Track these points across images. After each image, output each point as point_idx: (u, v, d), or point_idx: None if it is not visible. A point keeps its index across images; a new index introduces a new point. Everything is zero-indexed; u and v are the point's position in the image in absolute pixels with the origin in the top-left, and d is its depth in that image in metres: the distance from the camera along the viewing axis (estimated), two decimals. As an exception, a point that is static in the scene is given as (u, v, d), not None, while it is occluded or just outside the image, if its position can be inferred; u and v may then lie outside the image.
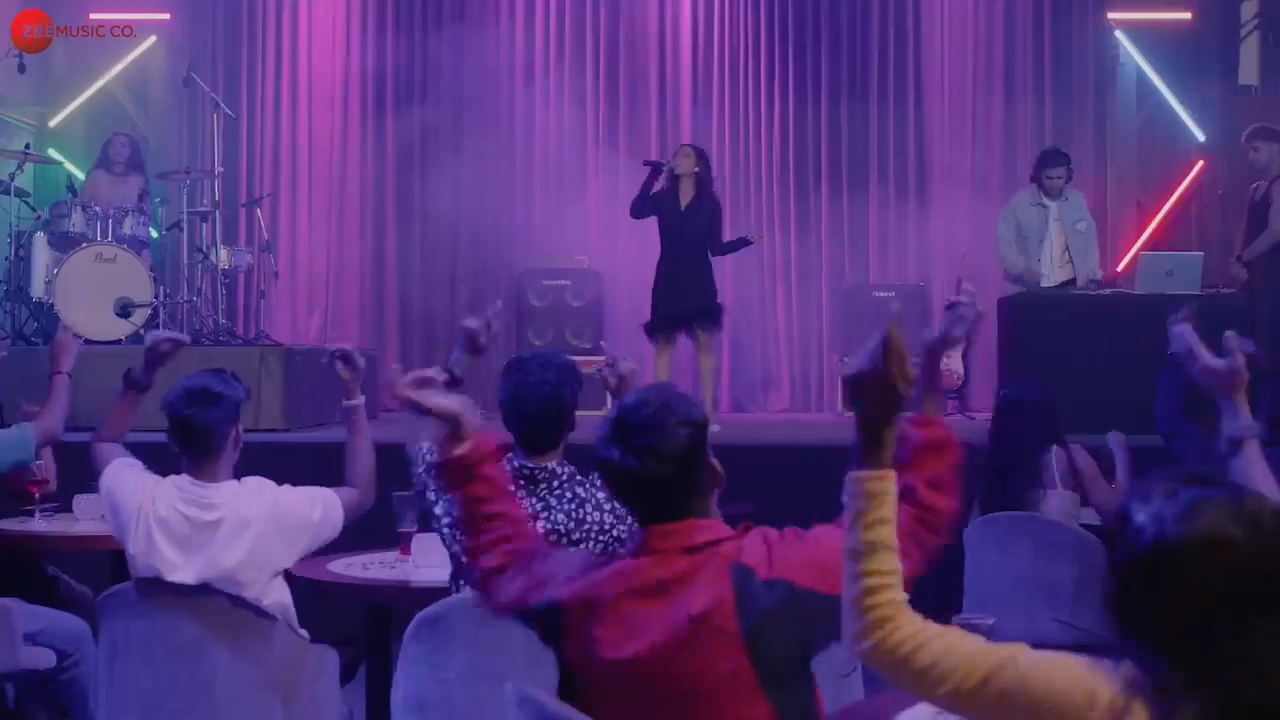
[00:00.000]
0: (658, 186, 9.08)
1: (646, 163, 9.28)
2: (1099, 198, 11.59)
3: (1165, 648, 1.92)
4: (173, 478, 4.11)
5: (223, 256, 10.07)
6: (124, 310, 9.40)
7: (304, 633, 4.09)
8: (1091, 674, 1.96)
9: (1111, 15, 11.84)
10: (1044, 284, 9.45)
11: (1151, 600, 1.93)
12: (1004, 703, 1.98)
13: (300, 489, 4.12)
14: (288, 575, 4.32)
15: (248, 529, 3.98)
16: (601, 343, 4.00)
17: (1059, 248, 9.54)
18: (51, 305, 9.40)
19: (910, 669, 2.04)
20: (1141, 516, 1.95)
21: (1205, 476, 1.98)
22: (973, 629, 3.16)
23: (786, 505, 4.70)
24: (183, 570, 3.96)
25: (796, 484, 5.27)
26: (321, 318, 12.10)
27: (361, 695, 4.59)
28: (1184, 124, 11.71)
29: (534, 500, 3.84)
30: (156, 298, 9.64)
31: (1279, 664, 1.86)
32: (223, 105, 10.42)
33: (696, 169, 9.11)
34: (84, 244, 9.56)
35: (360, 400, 4.30)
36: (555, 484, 3.89)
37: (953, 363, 10.89)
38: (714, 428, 8.74)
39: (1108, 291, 9.13)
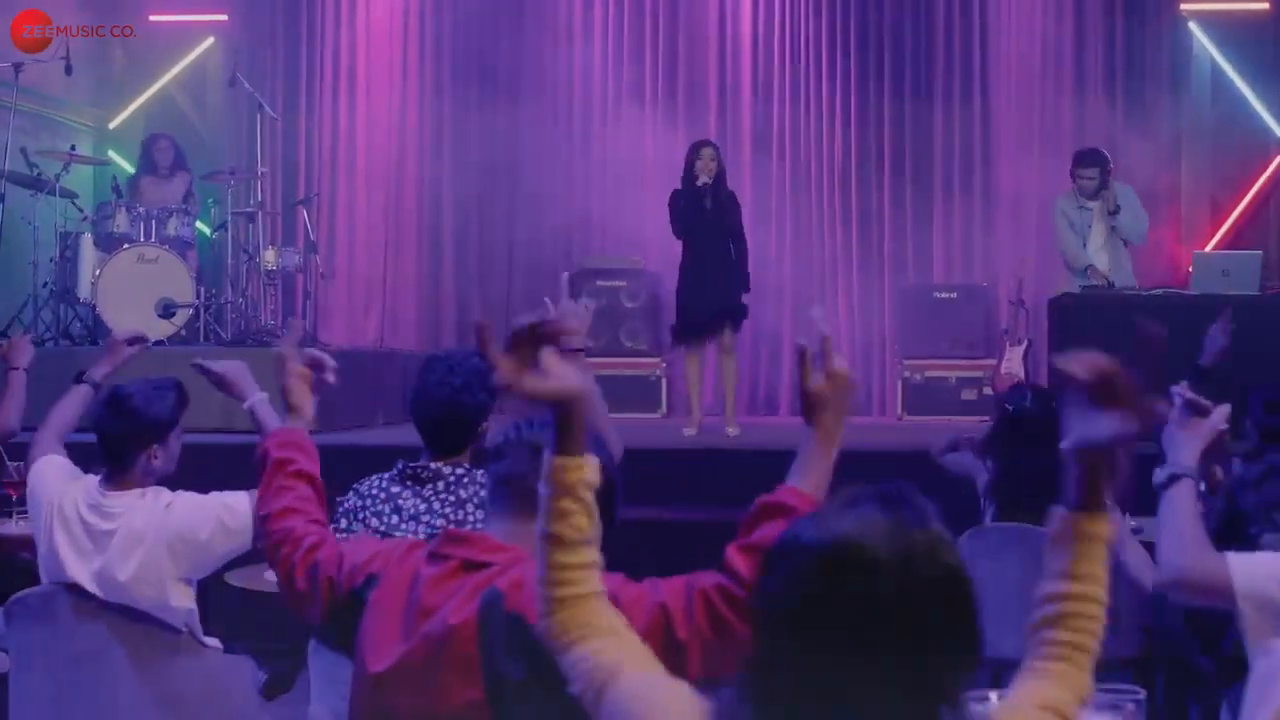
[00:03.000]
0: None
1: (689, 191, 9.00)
2: (1173, 195, 11.24)
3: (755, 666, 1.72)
4: (87, 478, 4.02)
5: (269, 257, 10.07)
6: (166, 311, 9.42)
7: (215, 643, 3.97)
8: (691, 704, 1.82)
9: (1185, 6, 11.44)
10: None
11: (765, 609, 1.73)
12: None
13: (203, 500, 3.92)
14: (224, 585, 4.21)
15: (139, 545, 3.84)
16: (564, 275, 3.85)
17: (1099, 246, 9.33)
18: (94, 306, 9.45)
19: (563, 658, 2.00)
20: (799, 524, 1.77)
21: (893, 494, 1.76)
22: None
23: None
24: (79, 573, 3.86)
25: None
26: (379, 319, 12.07)
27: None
28: (1261, 119, 11.28)
29: (417, 501, 3.75)
30: (198, 298, 9.65)
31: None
32: (266, 107, 10.41)
33: (719, 169, 8.95)
34: (126, 245, 9.61)
35: (253, 399, 3.93)
36: (440, 484, 3.77)
37: (1013, 365, 10.60)
38: (732, 431, 8.65)
39: (1160, 291, 8.81)
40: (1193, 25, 11.45)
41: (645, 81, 12.01)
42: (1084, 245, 9.25)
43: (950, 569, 1.71)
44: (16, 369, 5.17)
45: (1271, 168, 11.32)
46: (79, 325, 9.65)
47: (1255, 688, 2.66)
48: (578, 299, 3.75)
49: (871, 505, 1.73)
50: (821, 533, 1.70)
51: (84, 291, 9.69)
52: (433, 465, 3.80)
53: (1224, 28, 11.39)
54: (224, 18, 11.94)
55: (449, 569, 2.48)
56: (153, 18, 11.66)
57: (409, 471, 3.79)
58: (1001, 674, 5.68)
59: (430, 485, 3.77)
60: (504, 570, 2.45)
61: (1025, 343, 10.67)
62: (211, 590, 4.39)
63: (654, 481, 6.64)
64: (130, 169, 11.31)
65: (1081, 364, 2.05)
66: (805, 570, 1.69)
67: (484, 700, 2.34)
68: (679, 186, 9.06)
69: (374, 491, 3.80)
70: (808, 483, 2.45)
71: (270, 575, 4.48)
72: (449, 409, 3.79)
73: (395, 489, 3.78)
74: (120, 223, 9.77)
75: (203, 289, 9.85)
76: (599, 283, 11.42)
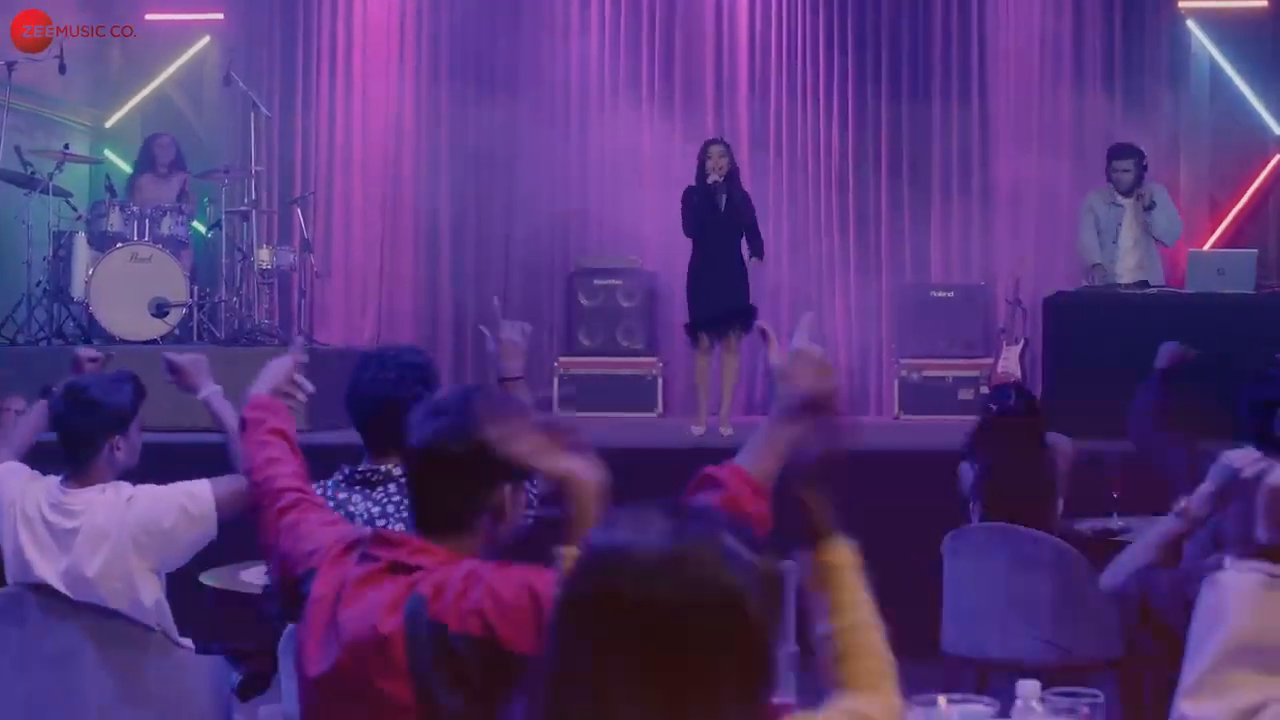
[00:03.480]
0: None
1: (703, 189, 8.91)
2: (1171, 193, 11.15)
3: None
4: (48, 479, 4.01)
5: (263, 256, 10.04)
6: (159, 310, 9.40)
7: (187, 643, 3.95)
8: None
9: (1183, 4, 11.38)
10: (1117, 280, 9.23)
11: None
12: None
13: (164, 490, 3.92)
14: (199, 585, 4.19)
15: (104, 540, 3.83)
16: (495, 300, 3.80)
17: (1130, 246, 9.30)
18: (88, 305, 9.44)
19: None
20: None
21: (685, 508, 1.71)
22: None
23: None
24: (47, 572, 3.85)
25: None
26: (375, 317, 12.04)
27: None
28: (1260, 117, 11.23)
29: (370, 505, 3.62)
30: (192, 297, 9.64)
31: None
32: (260, 105, 10.38)
33: (731, 167, 8.88)
34: (120, 244, 9.59)
35: (207, 391, 4.00)
36: (392, 487, 3.64)
37: (1009, 364, 10.56)
38: (725, 431, 8.62)
39: (1154, 290, 8.77)
40: (1191, 23, 11.40)
41: (642, 79, 11.96)
42: (1114, 242, 9.27)
43: (726, 590, 1.61)
44: (8, 409, 5.06)
45: (1270, 166, 11.28)
46: (72, 324, 9.61)
47: (1201, 618, 2.60)
48: (503, 320, 3.61)
49: (658, 515, 1.67)
50: (600, 535, 1.67)
51: (77, 291, 9.66)
52: (381, 468, 3.66)
53: (1222, 26, 11.33)
54: (219, 16, 11.91)
55: (376, 570, 2.45)
56: (149, 17, 11.62)
57: (357, 476, 3.67)
58: (987, 674, 5.64)
59: (381, 488, 3.64)
60: (430, 574, 2.42)
61: (1022, 342, 10.63)
62: (186, 590, 4.38)
63: (648, 481, 6.60)
64: (126, 168, 11.29)
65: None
66: (579, 572, 1.65)
67: (416, 704, 2.32)
68: (693, 184, 8.97)
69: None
70: (752, 463, 2.45)
71: (245, 575, 4.48)
72: (385, 404, 3.63)
73: (343, 495, 3.65)
74: (114, 222, 9.75)
75: (196, 288, 9.83)
76: (595, 282, 11.39)
